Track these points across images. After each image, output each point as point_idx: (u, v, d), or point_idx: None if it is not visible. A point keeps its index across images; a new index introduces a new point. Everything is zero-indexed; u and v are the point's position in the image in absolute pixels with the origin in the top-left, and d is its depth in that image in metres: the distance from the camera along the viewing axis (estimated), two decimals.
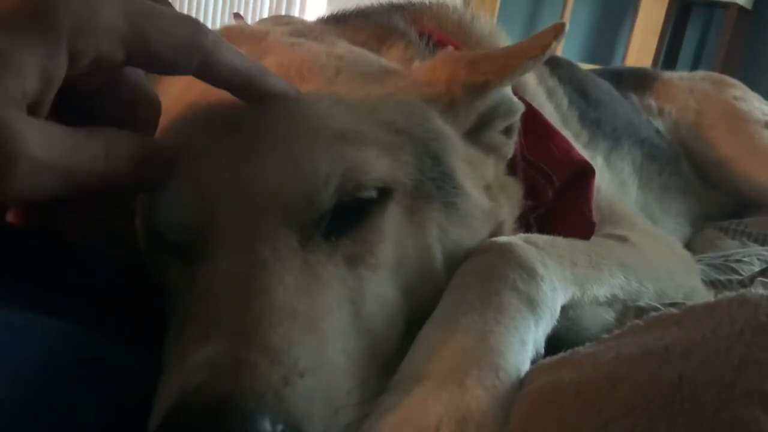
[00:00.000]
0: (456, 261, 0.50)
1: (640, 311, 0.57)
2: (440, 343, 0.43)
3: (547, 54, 0.53)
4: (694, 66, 4.05)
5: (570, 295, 0.52)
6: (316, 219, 0.45)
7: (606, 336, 0.42)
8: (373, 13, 0.79)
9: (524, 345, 0.44)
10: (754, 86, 1.48)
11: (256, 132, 0.46)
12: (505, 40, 0.86)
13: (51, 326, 0.41)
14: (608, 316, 0.57)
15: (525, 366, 0.43)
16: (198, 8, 3.49)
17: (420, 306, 0.47)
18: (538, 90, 0.88)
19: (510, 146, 0.61)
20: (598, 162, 1.02)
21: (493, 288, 0.46)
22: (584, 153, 0.73)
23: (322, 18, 0.84)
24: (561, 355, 0.42)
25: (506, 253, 0.49)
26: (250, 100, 0.46)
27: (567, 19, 3.74)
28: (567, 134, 0.77)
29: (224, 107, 0.47)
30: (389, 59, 0.64)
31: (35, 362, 0.38)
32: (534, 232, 0.59)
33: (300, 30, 0.64)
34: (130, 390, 0.42)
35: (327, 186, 0.45)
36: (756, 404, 0.31)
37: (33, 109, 0.37)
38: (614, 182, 1.07)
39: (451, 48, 0.68)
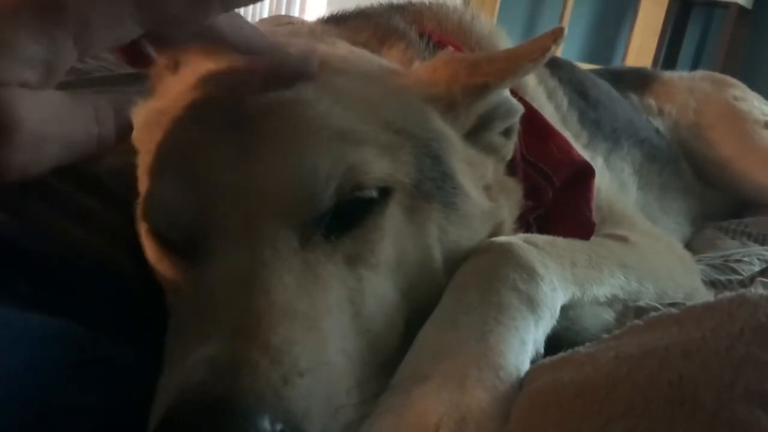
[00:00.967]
0: (455, 261, 0.50)
1: (640, 311, 0.57)
2: (440, 343, 0.43)
3: (546, 57, 0.54)
4: (694, 66, 4.05)
5: (570, 295, 0.52)
6: (317, 219, 0.45)
7: (606, 336, 0.42)
8: (373, 13, 0.79)
9: (524, 345, 0.44)
10: (754, 86, 1.48)
11: (257, 132, 0.46)
12: (505, 40, 0.86)
13: (51, 326, 0.41)
14: (608, 316, 0.57)
15: (525, 366, 0.43)
16: None
17: (419, 306, 0.47)
18: (538, 90, 0.88)
19: (509, 147, 0.61)
20: (598, 162, 1.02)
21: (493, 288, 0.46)
22: (584, 153, 0.73)
23: (322, 18, 0.84)
24: (561, 355, 0.42)
25: (506, 253, 0.49)
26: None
27: (567, 19, 3.74)
28: (567, 135, 0.77)
29: (225, 107, 0.47)
30: (389, 60, 0.64)
31: (35, 362, 0.38)
32: (534, 232, 0.59)
33: (300, 30, 0.64)
34: (130, 389, 0.42)
35: (327, 186, 0.45)
36: (756, 404, 0.31)
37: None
38: (614, 183, 1.07)
39: (451, 48, 0.68)
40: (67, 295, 0.47)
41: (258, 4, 3.56)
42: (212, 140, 0.47)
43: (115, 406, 0.41)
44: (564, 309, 0.51)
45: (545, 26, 4.02)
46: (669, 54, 3.94)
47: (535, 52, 0.53)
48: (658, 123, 1.35)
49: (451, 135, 0.54)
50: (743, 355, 0.34)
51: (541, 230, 0.61)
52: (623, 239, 0.69)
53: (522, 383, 0.41)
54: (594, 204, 0.66)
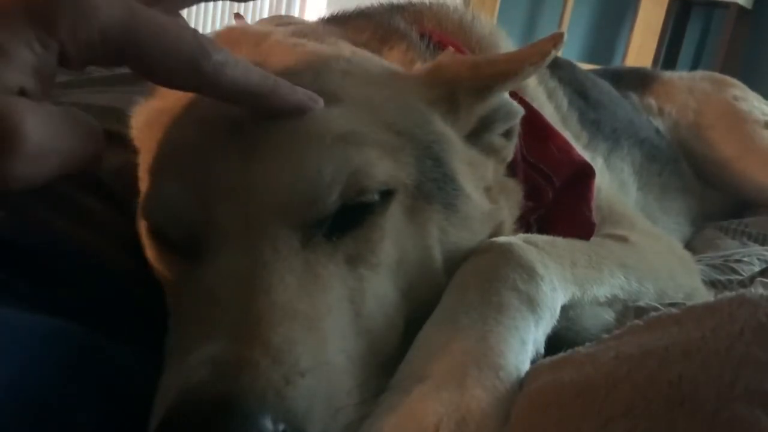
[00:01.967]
0: (455, 262, 0.50)
1: (640, 311, 0.57)
2: (440, 343, 0.43)
3: (546, 61, 0.54)
4: (694, 66, 4.05)
5: (570, 295, 0.52)
6: (320, 220, 0.45)
7: (606, 336, 0.42)
8: (374, 13, 0.79)
9: (524, 345, 0.44)
10: (754, 86, 1.48)
11: (260, 133, 0.46)
12: (505, 40, 0.86)
13: (51, 326, 0.41)
14: (608, 316, 0.57)
15: (525, 366, 0.43)
16: (198, 8, 3.48)
17: (419, 306, 0.47)
18: (538, 91, 0.88)
19: (510, 149, 0.62)
20: (598, 163, 1.02)
21: (492, 288, 0.46)
22: (584, 154, 0.73)
23: (323, 18, 0.84)
24: (561, 355, 0.42)
25: (506, 253, 0.49)
26: (264, 115, 0.46)
27: (567, 19, 3.74)
28: (567, 135, 0.77)
29: (227, 107, 0.47)
30: (390, 60, 0.64)
31: (35, 362, 0.38)
32: (534, 233, 0.59)
33: (302, 31, 0.64)
34: (130, 389, 0.42)
35: (331, 189, 0.45)
36: (756, 404, 0.31)
37: (31, 97, 0.37)
38: (614, 183, 1.07)
39: (451, 49, 0.68)
40: (67, 295, 0.47)
41: (258, 4, 3.57)
42: (214, 140, 0.47)
43: (116, 406, 0.41)
44: (564, 309, 0.51)
45: (545, 26, 4.04)
46: (669, 54, 3.94)
47: (536, 56, 0.54)
48: (658, 123, 1.35)
49: (452, 136, 0.54)
50: (743, 355, 0.34)
51: (542, 230, 0.61)
52: (623, 239, 0.69)
53: (522, 383, 0.41)
54: (594, 204, 0.66)
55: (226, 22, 3.36)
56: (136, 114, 0.59)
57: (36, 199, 0.50)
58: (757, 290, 0.38)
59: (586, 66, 1.41)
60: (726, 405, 0.31)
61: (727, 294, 0.39)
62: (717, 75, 1.50)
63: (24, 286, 0.45)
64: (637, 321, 0.42)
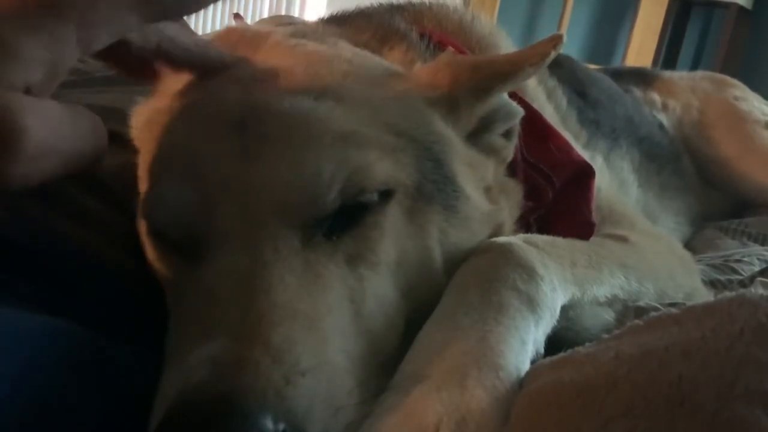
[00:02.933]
0: (455, 262, 0.50)
1: (640, 311, 0.57)
2: (440, 343, 0.43)
3: (546, 63, 0.54)
4: (694, 66, 4.05)
5: (570, 295, 0.52)
6: (319, 220, 0.45)
7: (606, 336, 0.42)
8: (374, 13, 0.79)
9: (524, 345, 0.44)
10: (754, 86, 1.48)
11: (260, 132, 0.46)
12: (505, 40, 0.86)
13: (51, 326, 0.41)
14: (608, 316, 0.57)
15: (525, 366, 0.43)
16: None
17: (419, 306, 0.47)
18: (537, 91, 0.88)
19: (510, 149, 0.62)
20: (597, 162, 1.02)
21: (492, 288, 0.46)
22: (584, 153, 0.73)
23: (323, 18, 0.84)
24: (561, 355, 0.42)
25: (506, 253, 0.49)
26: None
27: (567, 19, 3.74)
28: (566, 135, 0.77)
29: (228, 107, 0.47)
30: (391, 61, 0.64)
31: (35, 362, 0.38)
32: (534, 233, 0.59)
33: (301, 31, 0.64)
34: (131, 389, 0.42)
35: (331, 189, 0.45)
36: (756, 404, 0.31)
37: (35, 95, 0.37)
38: (614, 182, 1.07)
39: (451, 49, 0.68)
40: (67, 295, 0.47)
41: (258, 4, 3.57)
42: (215, 140, 0.47)
43: (116, 406, 0.41)
44: (564, 309, 0.51)
45: (545, 26, 4.04)
46: (669, 54, 3.94)
47: (535, 57, 0.54)
48: (662, 117, 1.35)
49: (452, 137, 0.55)
50: (743, 355, 0.34)
51: (541, 231, 0.61)
52: (623, 239, 0.69)
53: (522, 383, 0.41)
54: (594, 204, 0.66)
55: (225, 22, 3.36)
56: (136, 114, 0.59)
57: (36, 199, 0.50)
58: (757, 290, 0.39)
59: None
60: (726, 405, 0.31)
61: (727, 294, 0.39)
62: (717, 75, 1.50)
63: (24, 286, 0.45)
64: (637, 321, 0.42)
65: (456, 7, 0.86)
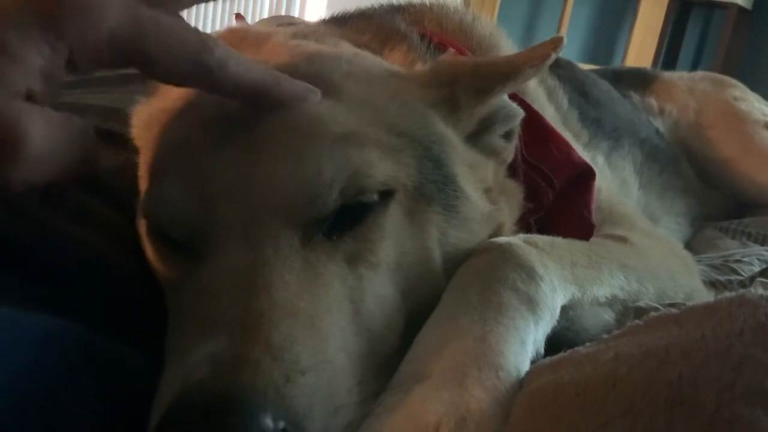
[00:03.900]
0: (455, 263, 0.51)
1: (640, 311, 0.57)
2: (440, 343, 0.43)
3: (546, 65, 0.55)
4: (694, 66, 4.05)
5: (570, 296, 0.52)
6: (320, 220, 0.45)
7: (606, 336, 0.42)
8: (374, 14, 0.79)
9: (524, 345, 0.44)
10: (754, 86, 1.48)
11: (261, 132, 0.46)
12: (505, 40, 0.86)
13: (51, 326, 0.41)
14: (608, 316, 0.57)
15: (525, 366, 0.43)
16: (198, 8, 3.48)
17: (419, 307, 0.47)
18: (538, 91, 0.88)
19: (510, 150, 0.62)
20: (599, 161, 1.02)
21: (492, 288, 0.46)
22: (585, 153, 0.73)
23: (324, 19, 0.84)
24: (561, 355, 0.42)
25: (506, 253, 0.49)
26: (266, 108, 0.46)
27: (567, 19, 3.73)
28: (567, 135, 0.77)
29: (229, 106, 0.47)
30: (391, 61, 0.64)
31: (36, 362, 0.38)
32: (534, 234, 0.59)
33: (303, 32, 0.64)
34: (131, 388, 0.42)
35: (331, 189, 0.45)
36: (756, 404, 0.31)
37: (35, 102, 0.37)
38: (615, 182, 1.07)
39: (452, 50, 0.68)
40: (67, 295, 0.47)
41: (258, 5, 3.57)
42: (215, 139, 0.47)
43: (116, 405, 0.41)
44: (564, 309, 0.51)
45: (545, 26, 4.03)
46: (669, 54, 3.94)
47: (536, 59, 0.54)
48: (658, 123, 1.35)
49: (452, 138, 0.55)
50: (743, 355, 0.34)
51: (541, 232, 0.61)
52: (623, 239, 0.69)
53: (522, 383, 0.41)
54: (594, 206, 0.66)
55: (226, 22, 3.36)
56: (137, 113, 0.59)
57: (36, 199, 0.50)
58: (757, 290, 0.39)
59: (586, 66, 1.41)
60: (726, 405, 0.31)
61: (727, 294, 0.39)
62: (717, 75, 1.50)
63: (24, 286, 0.45)
64: (636, 321, 0.42)
65: (456, 7, 0.86)
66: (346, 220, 0.46)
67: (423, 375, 0.40)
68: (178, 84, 0.43)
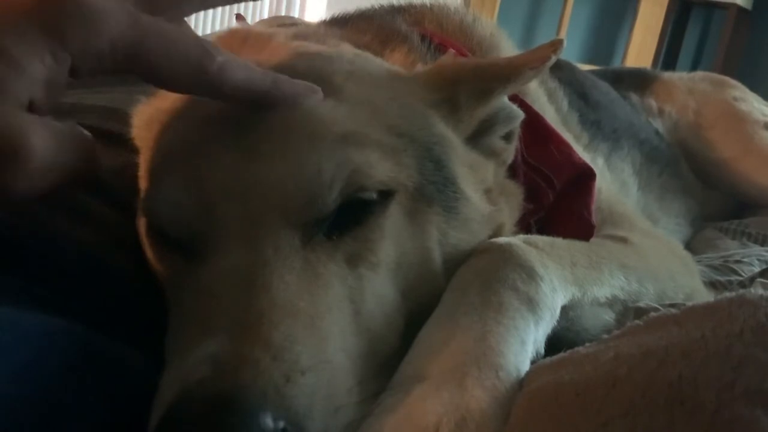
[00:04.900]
0: (455, 264, 0.51)
1: (640, 312, 0.57)
2: (440, 343, 0.43)
3: (546, 67, 0.55)
4: (694, 66, 4.05)
5: (570, 296, 0.52)
6: (320, 219, 0.45)
7: (606, 336, 0.42)
8: (375, 15, 0.79)
9: (524, 345, 0.44)
10: (754, 86, 1.48)
11: (261, 132, 0.46)
12: (506, 41, 0.86)
13: (51, 326, 0.41)
14: (608, 316, 0.57)
15: (525, 366, 0.43)
16: None
17: (419, 307, 0.47)
18: (538, 93, 0.88)
19: (510, 151, 0.62)
20: (598, 163, 1.02)
21: (492, 288, 0.46)
22: (585, 155, 0.73)
23: (324, 20, 0.84)
24: (561, 355, 0.42)
25: (506, 253, 0.49)
26: (267, 108, 0.46)
27: (567, 19, 3.73)
28: (568, 136, 0.77)
29: (227, 106, 0.47)
30: (392, 62, 0.64)
31: (36, 362, 0.38)
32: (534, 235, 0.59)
33: (303, 33, 0.64)
34: (131, 388, 0.42)
35: (331, 189, 0.45)
36: (756, 404, 0.31)
37: (36, 111, 0.37)
38: (615, 183, 1.08)
39: (452, 51, 0.68)
40: (66, 294, 0.47)
41: (258, 5, 3.57)
42: (215, 138, 0.47)
43: (116, 405, 0.41)
44: (564, 309, 0.51)
45: (545, 27, 4.04)
46: (669, 54, 3.94)
47: (536, 61, 0.54)
48: (658, 124, 1.36)
49: (453, 139, 0.55)
50: (743, 355, 0.34)
51: (541, 232, 0.61)
52: (623, 240, 0.69)
53: (522, 383, 0.41)
54: (594, 206, 0.66)
55: (227, 23, 3.36)
56: (138, 113, 0.60)
57: (36, 199, 0.50)
58: (757, 291, 0.39)
59: (585, 66, 1.41)
60: (726, 405, 0.31)
61: (727, 294, 0.39)
62: (717, 76, 1.50)
63: (23, 285, 0.45)
64: (637, 321, 0.42)
65: (457, 8, 0.86)
66: (347, 220, 0.46)
67: (423, 375, 0.40)
68: (179, 91, 0.44)
